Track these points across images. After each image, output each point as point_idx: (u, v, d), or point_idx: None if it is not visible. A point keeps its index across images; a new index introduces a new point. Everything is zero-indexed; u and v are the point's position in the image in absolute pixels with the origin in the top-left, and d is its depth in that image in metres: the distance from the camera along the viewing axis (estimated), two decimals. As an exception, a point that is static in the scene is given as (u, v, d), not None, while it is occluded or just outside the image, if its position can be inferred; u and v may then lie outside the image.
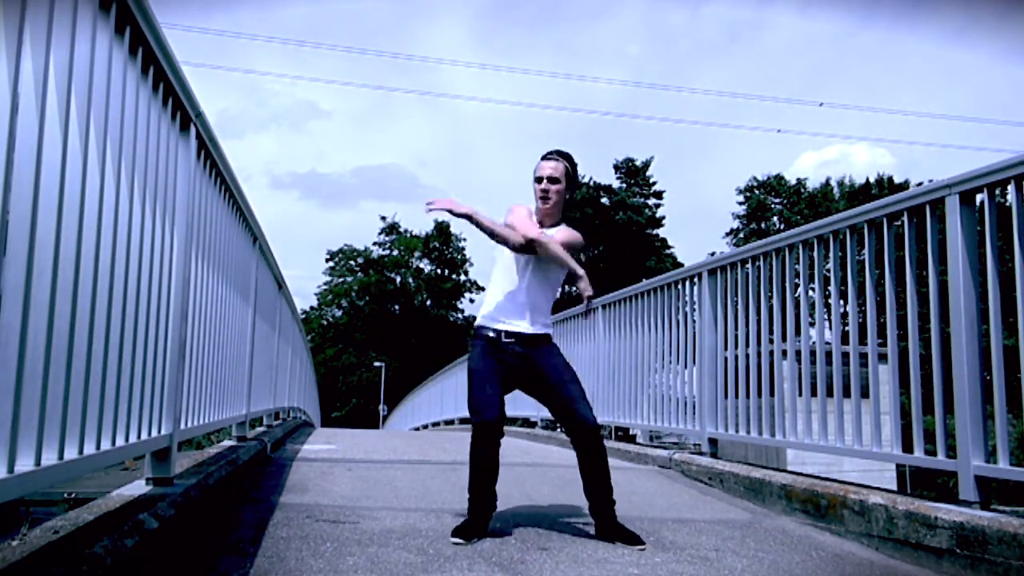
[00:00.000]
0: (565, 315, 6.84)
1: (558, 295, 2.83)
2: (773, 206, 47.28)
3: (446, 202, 2.63)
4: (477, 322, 2.78)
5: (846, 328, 4.12)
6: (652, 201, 45.24)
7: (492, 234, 2.67)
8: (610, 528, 2.56)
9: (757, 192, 47.67)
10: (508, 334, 2.68)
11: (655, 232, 44.97)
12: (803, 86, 76.13)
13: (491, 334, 2.69)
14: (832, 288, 3.40)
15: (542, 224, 2.77)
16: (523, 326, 2.69)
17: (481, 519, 2.55)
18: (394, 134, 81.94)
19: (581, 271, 2.72)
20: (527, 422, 7.98)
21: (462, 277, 49.13)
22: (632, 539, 2.50)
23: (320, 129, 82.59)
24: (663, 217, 45.32)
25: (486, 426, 2.58)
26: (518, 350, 2.68)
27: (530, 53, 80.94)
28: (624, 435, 6.27)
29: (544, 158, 2.78)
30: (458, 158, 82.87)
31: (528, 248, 2.66)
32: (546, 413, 7.20)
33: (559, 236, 2.72)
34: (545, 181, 2.74)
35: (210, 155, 2.82)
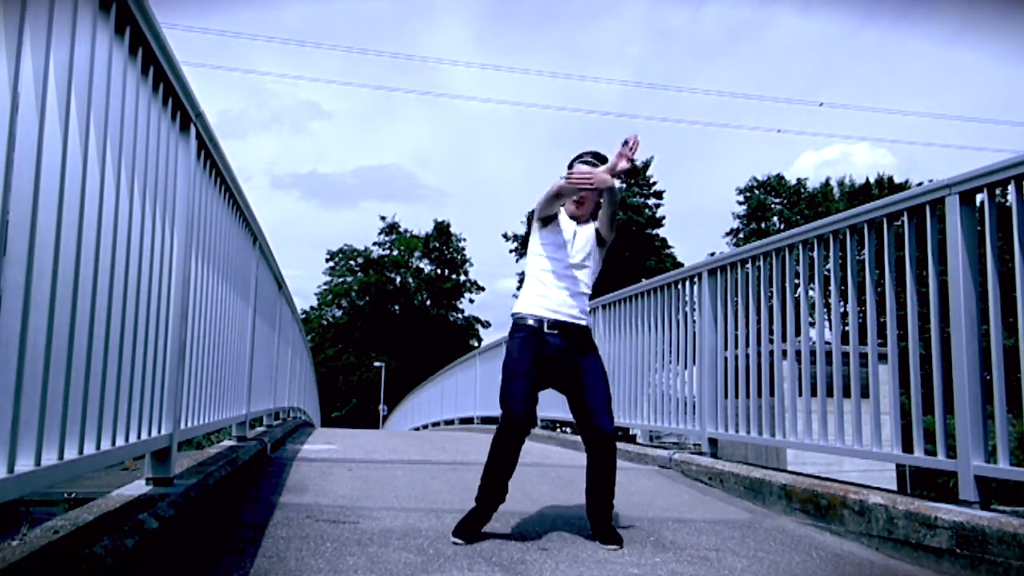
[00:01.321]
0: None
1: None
2: (773, 206, 47.29)
3: (600, 179, 2.58)
4: (517, 311, 2.71)
5: (846, 328, 4.12)
6: (652, 201, 45.24)
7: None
8: (602, 531, 2.55)
9: (757, 192, 47.68)
10: (552, 324, 2.64)
11: (655, 232, 44.96)
12: (803, 86, 76.15)
13: (532, 323, 2.65)
14: (832, 288, 3.40)
15: (577, 220, 2.78)
16: (568, 314, 2.66)
17: (484, 514, 2.55)
18: (395, 134, 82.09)
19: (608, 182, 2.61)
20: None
21: (462, 277, 49.16)
22: (609, 539, 2.49)
23: (321, 129, 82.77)
24: (663, 217, 45.35)
25: (513, 422, 2.56)
26: (559, 343, 2.64)
27: (531, 53, 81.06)
28: (624, 435, 6.28)
29: (583, 161, 2.73)
30: (458, 158, 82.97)
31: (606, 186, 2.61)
32: (546, 413, 7.22)
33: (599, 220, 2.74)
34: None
35: (210, 155, 2.82)
